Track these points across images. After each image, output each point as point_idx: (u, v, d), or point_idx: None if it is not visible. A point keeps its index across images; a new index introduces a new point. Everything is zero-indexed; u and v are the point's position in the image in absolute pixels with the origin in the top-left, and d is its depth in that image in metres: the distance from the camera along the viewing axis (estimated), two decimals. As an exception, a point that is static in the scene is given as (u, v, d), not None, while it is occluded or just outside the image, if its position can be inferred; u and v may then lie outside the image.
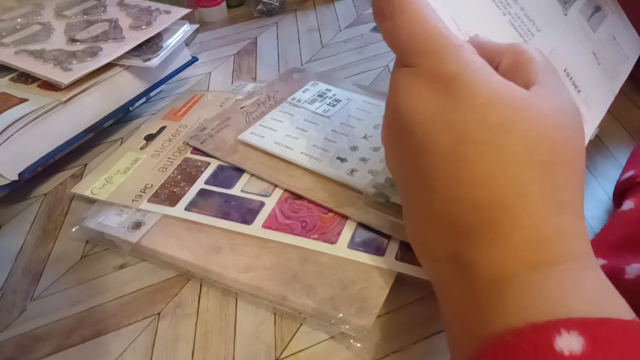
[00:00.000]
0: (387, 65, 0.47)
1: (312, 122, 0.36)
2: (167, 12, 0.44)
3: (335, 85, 0.40)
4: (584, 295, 0.15)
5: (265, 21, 0.58)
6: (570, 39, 0.27)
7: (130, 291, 0.28)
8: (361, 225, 0.29)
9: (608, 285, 0.16)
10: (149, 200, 0.32)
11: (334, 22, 0.56)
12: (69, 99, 0.36)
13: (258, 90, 0.41)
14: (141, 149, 0.37)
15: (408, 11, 0.19)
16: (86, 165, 0.38)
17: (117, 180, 0.34)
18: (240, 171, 0.34)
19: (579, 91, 0.27)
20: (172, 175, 0.34)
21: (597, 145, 0.35)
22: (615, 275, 0.16)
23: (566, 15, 0.27)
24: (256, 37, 0.54)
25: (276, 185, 0.32)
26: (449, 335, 0.18)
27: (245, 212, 0.31)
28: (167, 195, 0.32)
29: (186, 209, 0.31)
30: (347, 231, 0.29)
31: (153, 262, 0.30)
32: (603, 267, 0.17)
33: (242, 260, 0.28)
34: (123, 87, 0.40)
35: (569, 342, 0.13)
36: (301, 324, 0.26)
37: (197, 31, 0.56)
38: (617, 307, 0.15)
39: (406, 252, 0.27)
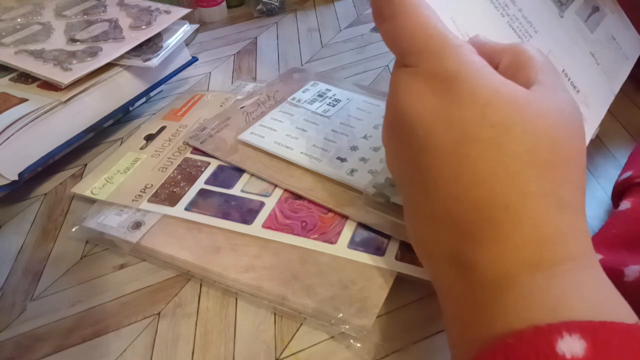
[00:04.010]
0: (387, 65, 0.47)
1: (312, 122, 0.36)
2: (167, 12, 0.44)
3: (335, 85, 0.40)
4: (585, 296, 0.15)
5: (265, 21, 0.58)
6: (567, 41, 0.27)
7: (130, 291, 0.28)
8: (361, 225, 0.29)
9: (609, 285, 0.16)
10: (149, 200, 0.32)
11: (334, 22, 0.56)
12: (69, 99, 0.36)
13: (258, 90, 0.41)
14: (141, 149, 0.37)
15: (407, 12, 0.19)
16: (86, 165, 0.38)
17: (117, 180, 0.34)
18: (240, 171, 0.34)
19: (578, 91, 0.27)
20: (172, 175, 0.34)
21: (597, 145, 0.35)
22: (614, 278, 0.16)
23: (562, 17, 0.27)
24: (256, 37, 0.54)
25: (276, 185, 0.32)
26: (450, 336, 0.18)
27: (245, 212, 0.31)
28: (167, 195, 0.32)
29: (186, 209, 0.31)
30: (347, 231, 0.29)
31: (153, 262, 0.30)
32: (600, 262, 0.17)
33: (242, 260, 0.28)
34: (123, 87, 0.40)
35: (571, 345, 0.13)
36: (301, 324, 0.26)
37: (197, 31, 0.56)
38: (618, 309, 0.15)
39: (406, 252, 0.27)
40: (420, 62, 0.19)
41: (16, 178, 0.33)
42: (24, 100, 0.35)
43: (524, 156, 0.17)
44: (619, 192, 0.29)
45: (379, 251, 0.28)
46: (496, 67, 0.19)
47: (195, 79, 0.48)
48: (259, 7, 0.58)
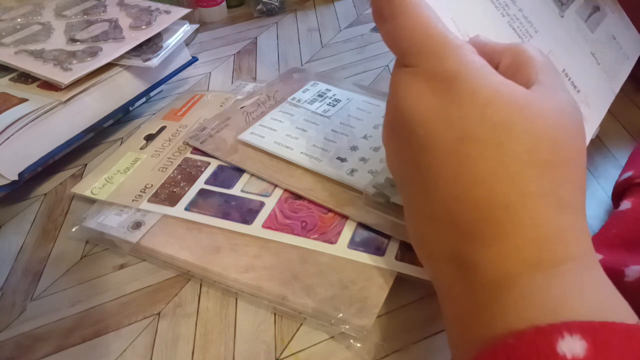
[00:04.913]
0: (387, 65, 0.47)
1: (312, 122, 0.36)
2: (167, 12, 0.44)
3: (335, 85, 0.40)
4: (585, 296, 0.15)
5: (265, 21, 0.58)
6: (567, 41, 0.27)
7: (130, 291, 0.28)
8: (361, 225, 0.29)
9: (609, 286, 0.16)
10: (149, 200, 0.32)
11: (334, 22, 0.56)
12: (69, 99, 0.36)
13: (258, 90, 0.41)
14: (141, 149, 0.37)
15: (408, 12, 0.19)
16: (86, 165, 0.38)
17: (117, 180, 0.34)
18: (240, 171, 0.34)
19: (578, 91, 0.27)
20: (172, 175, 0.34)
21: (597, 145, 0.35)
22: (614, 278, 0.16)
23: (562, 17, 0.27)
24: (256, 37, 0.54)
25: (276, 185, 0.32)
26: (450, 336, 0.18)
27: (245, 212, 0.31)
28: (167, 195, 0.32)
29: (186, 209, 0.31)
30: (347, 231, 0.29)
31: (153, 262, 0.30)
32: (601, 262, 0.17)
33: (242, 260, 0.28)
34: (123, 87, 0.40)
35: (572, 345, 0.13)
36: (301, 324, 0.26)
37: (197, 31, 0.56)
38: (619, 309, 0.15)
39: (406, 252, 0.27)
40: (421, 62, 0.19)
41: (16, 178, 0.33)
42: (24, 100, 0.35)
43: (524, 156, 0.17)
44: (620, 192, 0.29)
45: (379, 251, 0.28)
46: (496, 67, 0.19)
47: (195, 79, 0.48)
48: (259, 7, 0.58)
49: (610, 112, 0.29)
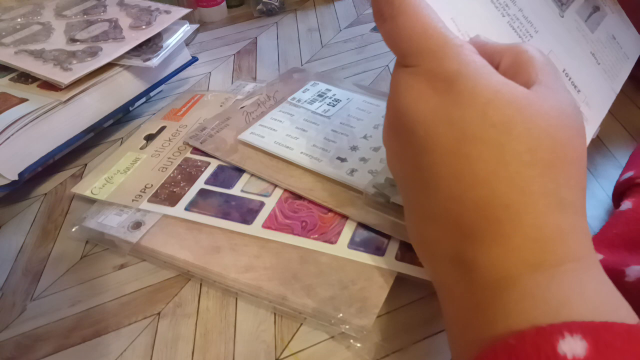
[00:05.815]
0: (387, 65, 0.47)
1: (312, 122, 0.36)
2: (167, 12, 0.44)
3: (335, 85, 0.40)
4: (586, 297, 0.15)
5: (265, 21, 0.58)
6: (567, 41, 0.27)
7: (130, 291, 0.28)
8: (361, 225, 0.29)
9: (610, 286, 0.16)
10: (149, 200, 0.32)
11: (334, 22, 0.56)
12: (69, 99, 0.36)
13: (258, 90, 0.41)
14: (141, 149, 0.37)
15: (408, 12, 0.19)
16: (86, 165, 0.38)
17: (117, 180, 0.34)
18: (240, 171, 0.34)
19: (579, 91, 0.27)
20: (172, 175, 0.34)
21: (597, 145, 0.35)
22: (615, 278, 0.16)
23: (562, 17, 0.27)
24: (256, 37, 0.54)
25: (276, 185, 0.32)
26: (451, 336, 0.18)
27: (245, 212, 0.31)
28: (167, 195, 0.32)
29: (186, 209, 0.31)
30: (347, 231, 0.29)
31: (153, 262, 0.30)
32: (601, 262, 0.17)
33: (242, 260, 0.28)
34: (123, 87, 0.40)
35: (573, 345, 0.13)
36: (301, 324, 0.26)
37: (197, 31, 0.56)
38: (619, 309, 0.15)
39: (406, 252, 0.27)
40: (421, 62, 0.19)
41: (16, 178, 0.33)
42: (24, 100, 0.35)
43: (525, 156, 0.17)
44: (620, 192, 0.29)
45: (379, 251, 0.28)
46: (497, 67, 0.19)
47: (195, 79, 0.48)
48: (259, 7, 0.58)
49: (610, 112, 0.29)
